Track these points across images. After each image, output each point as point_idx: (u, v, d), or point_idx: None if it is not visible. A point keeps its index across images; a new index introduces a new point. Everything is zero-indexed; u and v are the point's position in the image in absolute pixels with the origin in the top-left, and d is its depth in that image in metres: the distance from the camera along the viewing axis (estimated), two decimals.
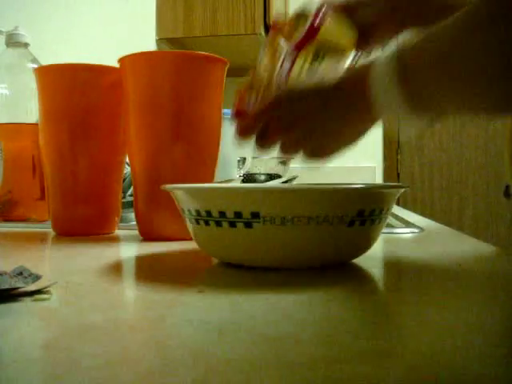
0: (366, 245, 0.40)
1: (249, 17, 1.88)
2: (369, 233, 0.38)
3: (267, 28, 1.97)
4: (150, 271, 0.40)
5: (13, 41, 0.70)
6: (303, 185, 0.57)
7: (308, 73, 0.51)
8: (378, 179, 2.57)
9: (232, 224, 0.36)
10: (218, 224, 0.37)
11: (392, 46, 0.51)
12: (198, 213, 0.38)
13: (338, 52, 0.52)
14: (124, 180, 0.75)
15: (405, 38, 0.48)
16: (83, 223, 0.61)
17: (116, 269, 0.40)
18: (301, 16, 0.53)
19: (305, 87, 0.49)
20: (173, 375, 0.18)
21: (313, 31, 0.51)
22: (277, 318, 0.26)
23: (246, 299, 0.29)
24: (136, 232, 0.60)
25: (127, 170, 0.77)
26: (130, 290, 0.34)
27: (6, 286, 0.27)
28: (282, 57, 0.51)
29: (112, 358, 0.20)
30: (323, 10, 0.51)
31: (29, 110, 0.68)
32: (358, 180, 2.42)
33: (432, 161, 2.69)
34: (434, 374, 0.18)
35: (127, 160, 0.63)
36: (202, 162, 0.59)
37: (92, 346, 0.21)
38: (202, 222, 0.38)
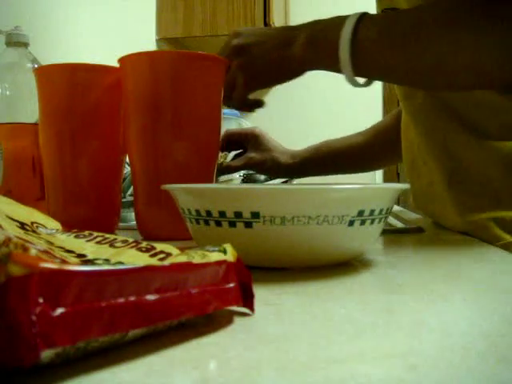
0: (365, 245, 0.40)
1: (249, 17, 1.87)
2: (369, 233, 0.38)
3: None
4: None
5: (13, 41, 0.70)
6: (303, 185, 0.57)
7: None
8: (378, 179, 2.57)
9: (232, 224, 0.36)
10: (218, 224, 0.37)
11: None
12: (198, 213, 0.38)
13: None
14: (124, 180, 0.75)
15: None
16: (83, 223, 0.61)
17: None
18: None
19: None
20: (173, 375, 0.18)
21: None
22: (277, 318, 0.26)
23: None
24: (136, 232, 0.60)
25: (127, 169, 0.77)
26: None
27: None
28: None
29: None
30: None
31: (29, 110, 0.67)
32: (358, 180, 2.42)
33: None
34: (434, 373, 0.18)
35: (127, 160, 0.63)
36: (202, 162, 0.59)
37: None
38: (202, 222, 0.38)
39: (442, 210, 0.68)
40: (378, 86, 2.54)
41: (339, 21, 0.57)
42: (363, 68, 0.57)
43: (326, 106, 2.56)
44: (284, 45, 0.61)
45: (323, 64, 0.60)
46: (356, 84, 0.59)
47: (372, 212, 0.37)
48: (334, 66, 0.57)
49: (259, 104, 0.71)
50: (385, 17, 0.59)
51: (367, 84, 0.62)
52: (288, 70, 0.62)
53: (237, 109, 0.71)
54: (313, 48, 0.59)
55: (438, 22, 0.53)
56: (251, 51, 0.64)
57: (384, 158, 0.97)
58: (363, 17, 0.56)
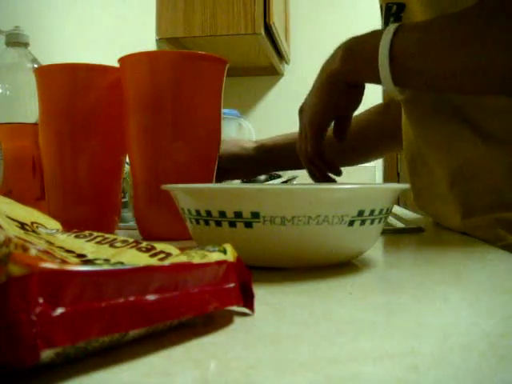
0: (366, 245, 0.40)
1: (249, 17, 1.87)
2: (369, 233, 0.38)
3: (267, 28, 1.96)
4: None
5: (13, 41, 0.70)
6: (303, 185, 0.57)
7: None
8: (378, 179, 2.57)
9: (232, 224, 0.36)
10: (218, 224, 0.37)
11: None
12: (198, 213, 0.38)
13: None
14: (124, 180, 0.75)
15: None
16: (83, 223, 0.61)
17: None
18: None
19: None
20: (173, 375, 0.18)
21: None
22: (277, 318, 0.26)
23: None
24: (136, 232, 0.60)
25: (127, 169, 0.77)
26: None
27: None
28: None
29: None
30: None
31: (29, 110, 0.67)
32: (358, 180, 2.42)
33: None
34: (434, 373, 0.18)
35: (127, 160, 0.63)
36: (202, 162, 0.59)
37: None
38: (202, 222, 0.38)
39: (443, 210, 0.69)
40: (377, 86, 2.53)
41: (377, 32, 0.58)
42: (402, 75, 0.57)
43: None
44: (326, 68, 0.63)
45: (362, 74, 0.60)
46: (393, 92, 0.58)
47: (372, 212, 0.37)
48: (373, 76, 0.57)
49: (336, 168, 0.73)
50: (424, 23, 0.58)
51: (403, 93, 0.61)
52: (332, 89, 0.62)
53: (315, 164, 0.71)
54: (351, 59, 0.59)
55: (487, 24, 0.52)
56: (306, 98, 0.68)
57: (365, 155, 0.97)
58: (401, 26, 0.56)
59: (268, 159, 0.94)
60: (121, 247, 0.28)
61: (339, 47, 0.61)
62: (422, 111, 0.68)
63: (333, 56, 0.62)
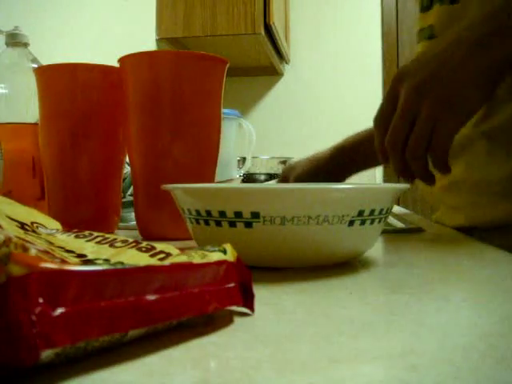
0: (366, 245, 0.40)
1: (249, 16, 1.87)
2: (369, 233, 0.38)
3: (267, 28, 1.96)
4: None
5: (13, 41, 0.70)
6: (303, 185, 0.57)
7: None
8: (378, 179, 2.57)
9: (232, 224, 0.36)
10: (218, 224, 0.37)
11: None
12: (198, 213, 0.38)
13: None
14: (124, 180, 0.75)
15: None
16: (83, 223, 0.61)
17: None
18: None
19: None
20: (173, 375, 0.18)
21: None
22: (277, 318, 0.26)
23: None
24: (136, 232, 0.60)
25: (127, 169, 0.77)
26: None
27: None
28: None
29: None
30: None
31: (29, 110, 0.68)
32: (358, 180, 2.42)
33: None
34: (434, 373, 0.18)
35: (127, 160, 0.63)
36: (203, 162, 0.59)
37: None
38: (202, 222, 0.38)
39: (459, 205, 0.71)
40: (377, 87, 2.54)
41: None
42: None
43: (326, 107, 2.56)
44: (480, 48, 0.49)
45: None
46: None
47: (372, 212, 0.37)
48: None
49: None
50: None
51: None
52: (496, 76, 0.50)
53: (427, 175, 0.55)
54: None
55: None
56: (437, 82, 0.50)
57: None
58: None
59: (347, 160, 0.92)
60: (121, 247, 0.28)
61: (498, 21, 0.48)
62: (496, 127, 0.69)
63: (492, 32, 0.49)
